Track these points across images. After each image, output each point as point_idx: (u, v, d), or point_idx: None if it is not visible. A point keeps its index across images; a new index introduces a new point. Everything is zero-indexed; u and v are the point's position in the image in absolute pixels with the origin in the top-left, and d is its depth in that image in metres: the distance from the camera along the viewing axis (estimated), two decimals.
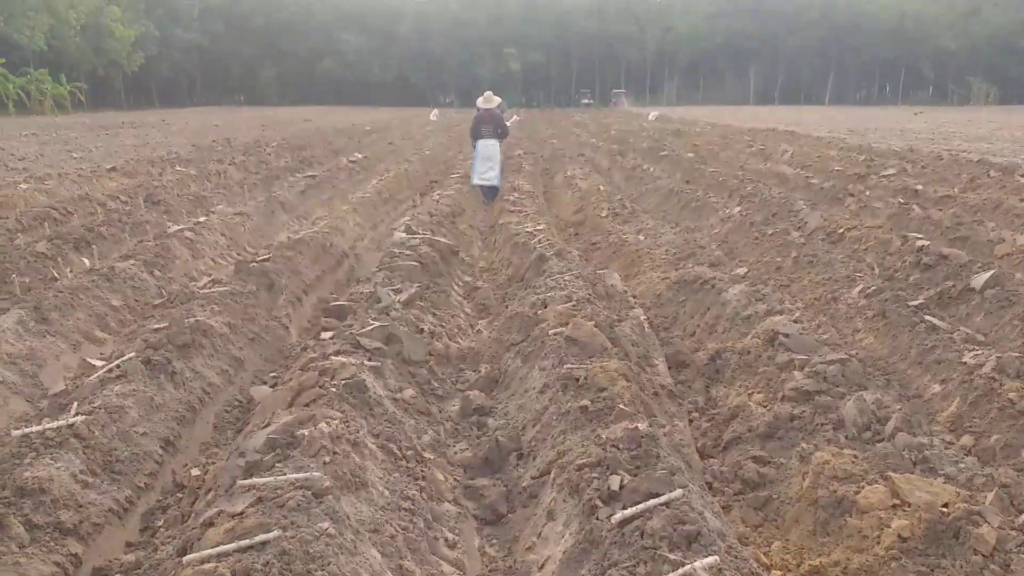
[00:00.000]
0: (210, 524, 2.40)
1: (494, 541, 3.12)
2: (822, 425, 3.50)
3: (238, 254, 7.93)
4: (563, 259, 6.42)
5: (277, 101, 77.38)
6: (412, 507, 2.91)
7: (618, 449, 2.90)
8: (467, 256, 8.11)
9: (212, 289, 5.50)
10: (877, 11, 79.79)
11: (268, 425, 3.04)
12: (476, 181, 11.85)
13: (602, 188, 11.58)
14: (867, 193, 10.60)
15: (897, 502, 2.70)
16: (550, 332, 4.43)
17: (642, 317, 5.44)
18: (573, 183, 12.49)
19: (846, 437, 3.39)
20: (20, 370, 4.37)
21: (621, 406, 3.31)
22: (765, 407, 3.85)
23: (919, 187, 10.87)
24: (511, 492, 3.35)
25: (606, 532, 2.47)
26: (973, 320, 5.24)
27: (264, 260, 6.23)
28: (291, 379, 3.78)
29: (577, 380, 3.70)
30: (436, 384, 4.42)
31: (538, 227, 8.07)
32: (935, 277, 5.94)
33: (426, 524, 2.90)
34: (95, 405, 3.44)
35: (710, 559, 2.21)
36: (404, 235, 7.33)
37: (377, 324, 4.48)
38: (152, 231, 8.06)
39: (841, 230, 7.74)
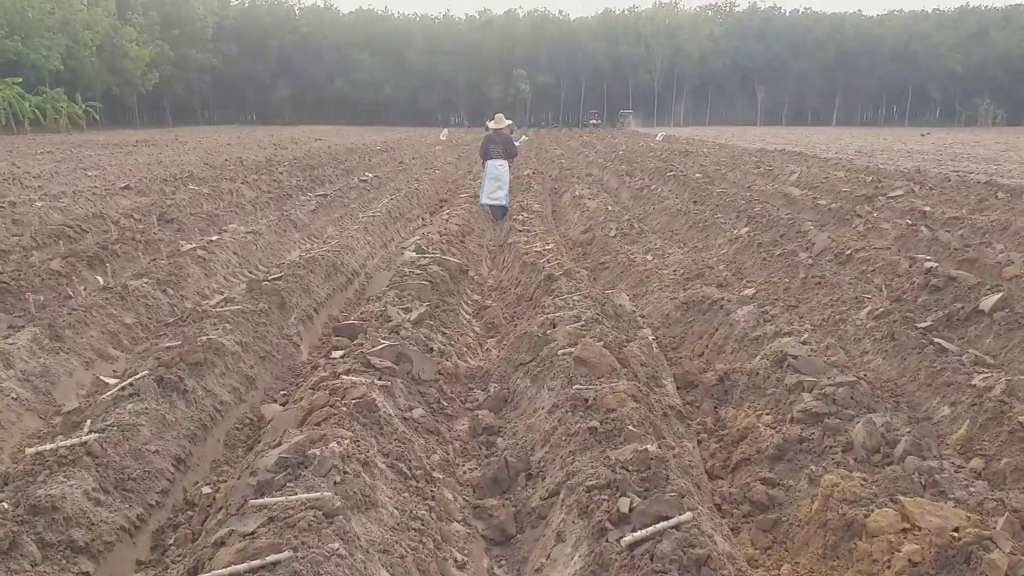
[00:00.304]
0: (221, 543, 2.41)
1: (503, 562, 3.11)
2: (831, 447, 3.49)
3: (250, 272, 7.99)
4: (572, 279, 6.44)
5: (289, 120, 78.38)
6: (421, 527, 2.92)
7: (627, 471, 2.90)
8: (476, 275, 8.15)
9: (224, 307, 5.55)
10: (884, 33, 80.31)
11: (279, 444, 3.06)
12: (485, 201, 11.97)
13: (610, 208, 11.63)
14: (875, 214, 10.61)
15: (907, 526, 2.69)
16: (559, 352, 4.45)
17: (650, 337, 5.45)
18: (581, 203, 12.55)
19: (855, 460, 3.38)
20: (34, 387, 4.43)
21: (630, 427, 3.32)
22: (774, 429, 3.85)
23: (927, 208, 10.88)
24: (520, 513, 3.35)
25: (616, 555, 2.47)
26: (982, 342, 5.22)
27: (276, 279, 6.28)
28: (302, 398, 3.81)
29: (586, 401, 3.71)
30: (445, 403, 4.44)
31: (547, 246, 8.11)
32: (943, 299, 5.93)
33: (435, 544, 2.91)
34: (108, 423, 3.47)
35: None
36: (414, 254, 7.37)
37: (387, 343, 4.52)
38: (165, 249, 8.15)
39: (849, 251, 7.74)
